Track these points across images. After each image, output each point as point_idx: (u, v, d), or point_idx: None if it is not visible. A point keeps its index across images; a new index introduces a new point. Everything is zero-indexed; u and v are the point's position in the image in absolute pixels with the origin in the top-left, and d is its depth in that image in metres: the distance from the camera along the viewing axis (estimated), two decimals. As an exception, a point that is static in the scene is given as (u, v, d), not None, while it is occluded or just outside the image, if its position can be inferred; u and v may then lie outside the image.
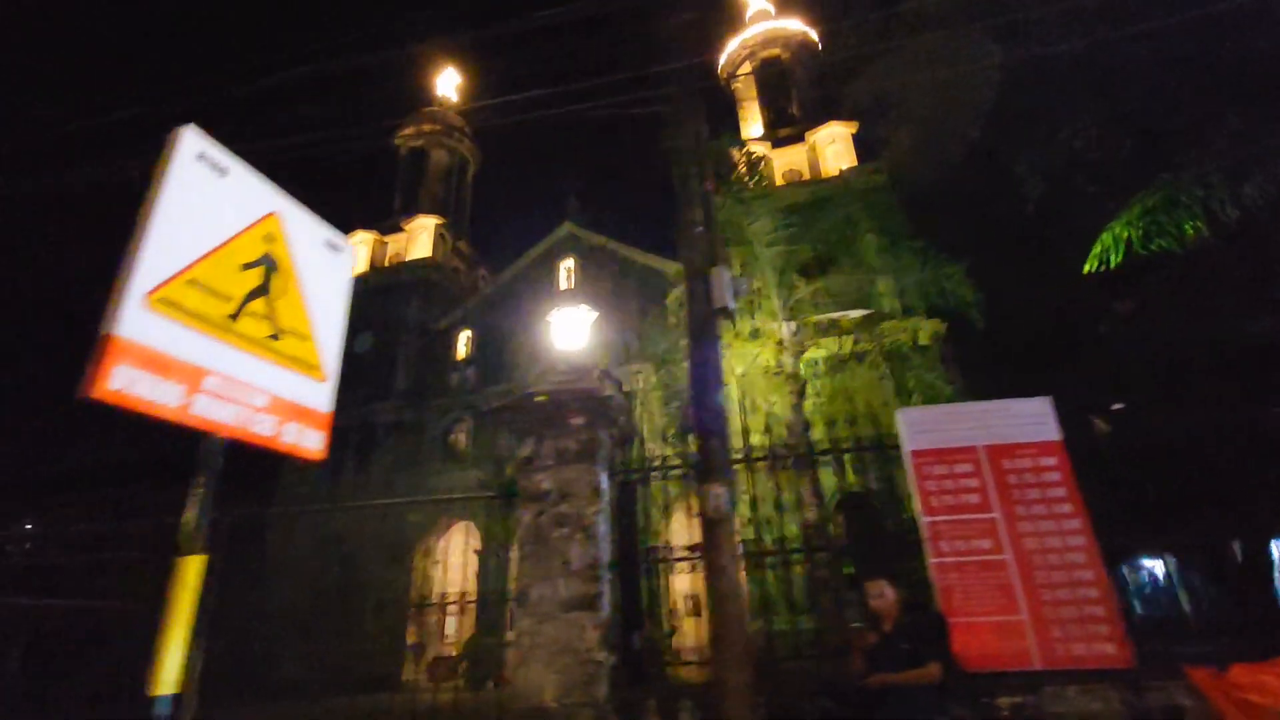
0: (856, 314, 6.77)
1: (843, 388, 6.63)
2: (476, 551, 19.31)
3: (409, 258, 25.09)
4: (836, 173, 20.62)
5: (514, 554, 15.15)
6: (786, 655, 4.85)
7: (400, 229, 26.09)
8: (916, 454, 3.80)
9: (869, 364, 6.61)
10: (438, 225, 25.66)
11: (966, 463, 3.72)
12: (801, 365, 8.02)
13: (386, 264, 25.76)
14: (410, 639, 18.91)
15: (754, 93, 24.99)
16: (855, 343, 6.98)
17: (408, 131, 29.01)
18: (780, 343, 7.09)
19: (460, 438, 21.36)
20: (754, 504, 7.05)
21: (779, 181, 21.96)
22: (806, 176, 21.70)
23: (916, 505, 3.80)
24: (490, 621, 18.22)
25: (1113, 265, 6.32)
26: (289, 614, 19.31)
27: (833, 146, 21.54)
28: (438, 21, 31.68)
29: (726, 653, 3.01)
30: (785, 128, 23.20)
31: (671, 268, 21.40)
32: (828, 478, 12.73)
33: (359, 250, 26.01)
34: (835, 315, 6.69)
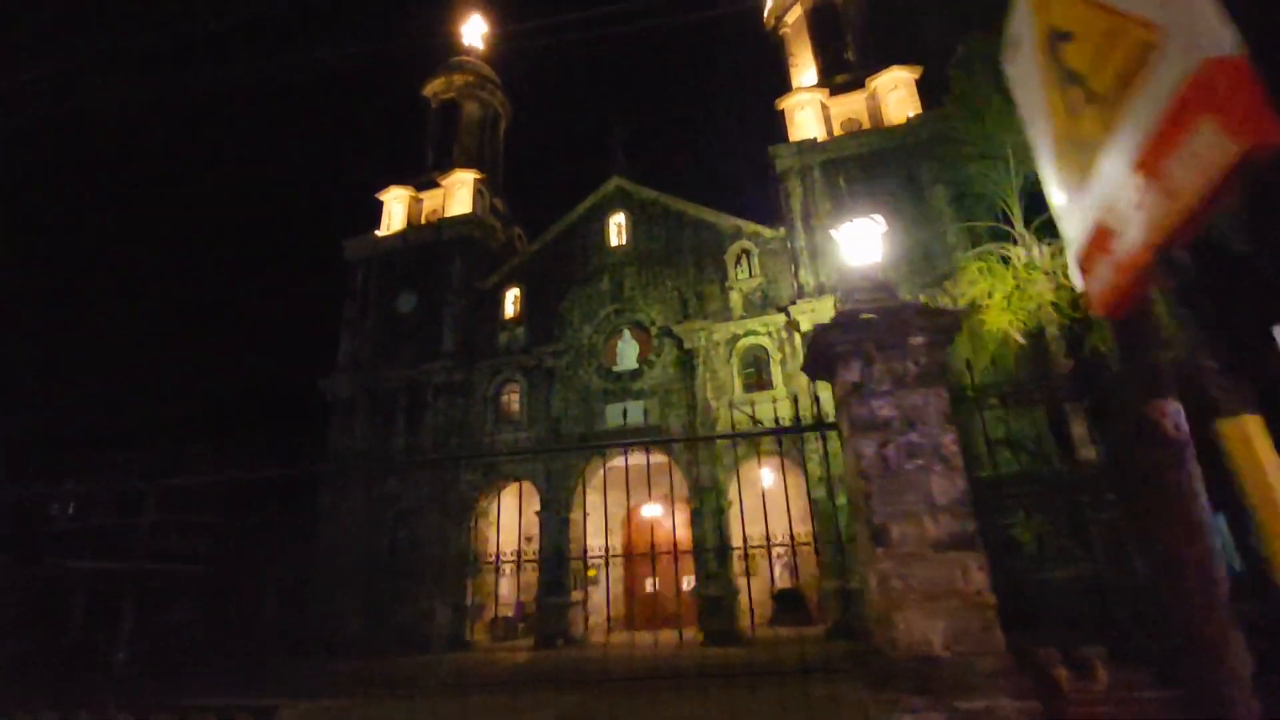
0: None
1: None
2: (537, 512, 19.07)
3: (448, 214, 24.28)
4: (903, 120, 19.75)
5: (574, 515, 14.85)
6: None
7: (436, 184, 25.20)
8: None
9: None
10: (477, 180, 24.78)
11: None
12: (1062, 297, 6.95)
13: (424, 221, 24.98)
14: (472, 598, 18.80)
15: (805, 39, 23.88)
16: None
17: (438, 83, 27.87)
18: (1035, 267, 6.44)
19: (512, 398, 20.95)
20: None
21: (837, 132, 21.16)
22: (867, 125, 20.86)
23: None
24: (553, 582, 18.11)
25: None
26: (347, 574, 19.17)
27: (895, 93, 20.63)
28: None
29: (1196, 599, 2.58)
30: (841, 74, 22.21)
31: (726, 222, 20.76)
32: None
33: (394, 207, 25.24)
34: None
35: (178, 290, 47.99)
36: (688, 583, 21.51)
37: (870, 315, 3.61)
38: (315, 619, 19.00)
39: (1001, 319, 7.25)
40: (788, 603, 19.36)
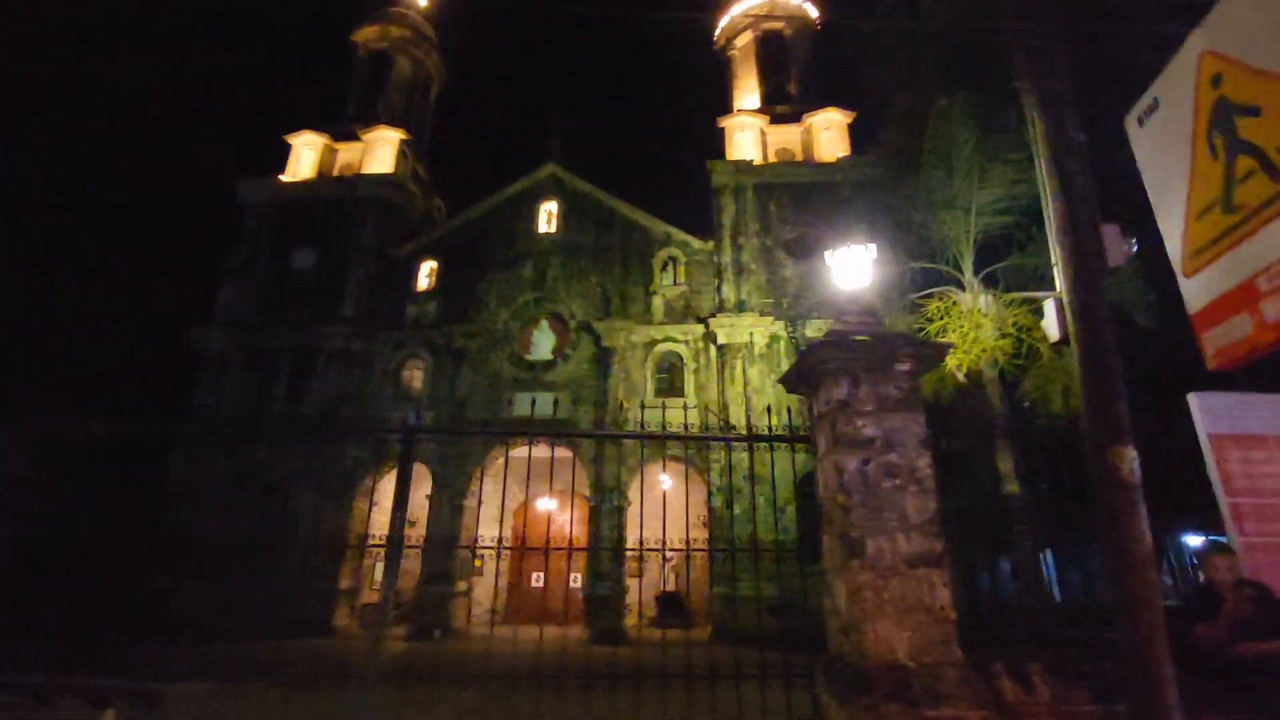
0: (1044, 295, 6.64)
1: (1058, 368, 6.58)
2: (428, 496, 18.18)
3: (365, 170, 22.68)
4: (834, 159, 20.93)
5: (468, 502, 14.46)
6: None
7: (356, 137, 23.48)
8: (1214, 437, 3.90)
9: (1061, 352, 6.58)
10: (402, 141, 23.36)
11: (1263, 450, 3.86)
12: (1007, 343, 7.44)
13: (336, 174, 23.17)
14: (344, 583, 17.61)
15: (752, 65, 24.71)
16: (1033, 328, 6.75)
17: (371, 31, 26.01)
18: (978, 313, 6.88)
19: (415, 375, 19.87)
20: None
21: (772, 158, 22.05)
22: (800, 157, 21.90)
23: (1216, 485, 3.90)
24: (438, 571, 17.38)
25: None
26: (196, 548, 17.33)
27: (828, 133, 21.84)
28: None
29: (1142, 623, 2.93)
30: (782, 104, 23.18)
31: (658, 227, 20.98)
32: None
33: (304, 153, 23.26)
34: (1031, 295, 6.58)
35: (25, 211, 41.08)
36: (575, 579, 21.42)
37: (863, 338, 3.76)
38: (151, 598, 16.94)
39: (952, 358, 7.88)
40: (670, 606, 19.80)
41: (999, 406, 7.29)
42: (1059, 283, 3.66)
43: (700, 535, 20.38)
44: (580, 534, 20.99)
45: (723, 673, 4.30)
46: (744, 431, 4.92)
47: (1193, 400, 4.04)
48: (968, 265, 7.70)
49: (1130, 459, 3.11)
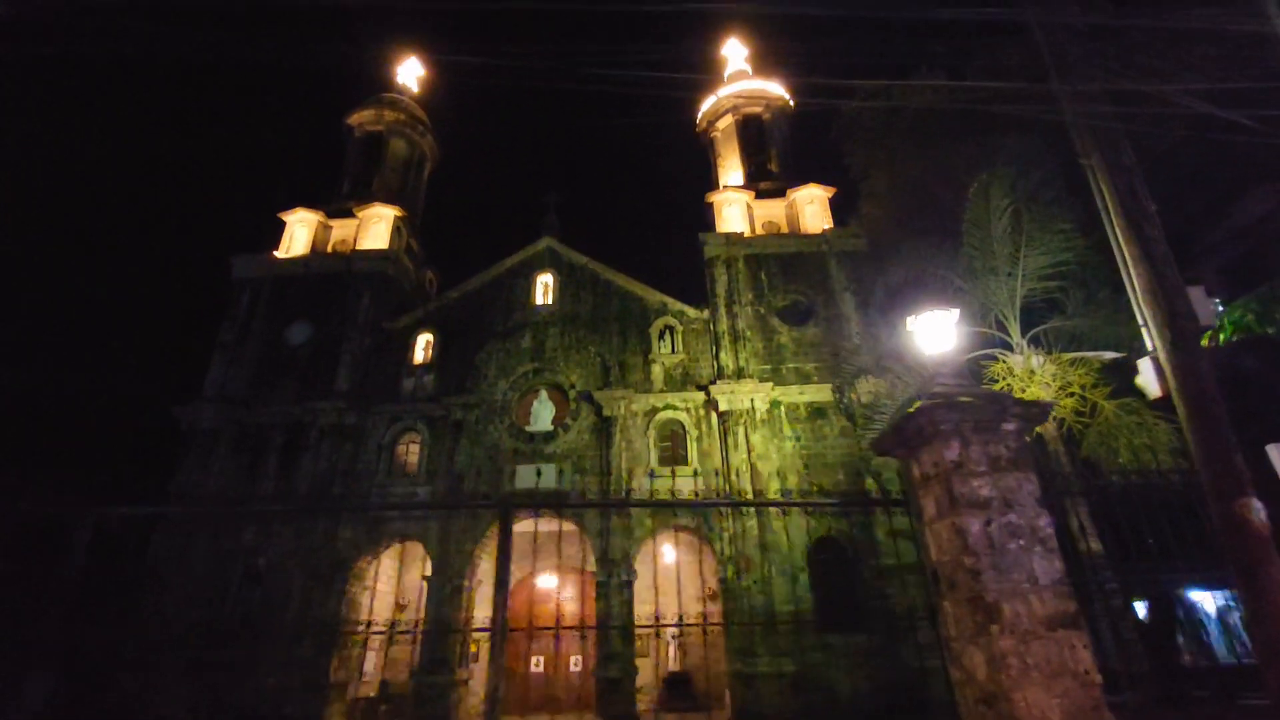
0: (1109, 355, 6.74)
1: (1122, 424, 6.65)
2: (425, 578, 17.38)
3: (360, 246, 22.90)
4: (818, 230, 21.90)
5: (467, 582, 13.96)
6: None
7: (351, 214, 23.83)
8: (1300, 488, 4.04)
9: (1126, 407, 6.68)
10: (397, 217, 23.77)
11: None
12: (1062, 401, 7.51)
13: (330, 250, 23.33)
14: (336, 674, 16.47)
15: (734, 145, 26.11)
16: (1095, 386, 6.79)
17: (366, 114, 26.91)
18: (1032, 374, 7.03)
19: (411, 449, 19.40)
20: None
21: (759, 231, 22.98)
22: (785, 230, 22.86)
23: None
24: (436, 658, 16.41)
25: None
26: (175, 639, 16.18)
27: (811, 206, 22.94)
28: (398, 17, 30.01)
29: None
30: (765, 181, 24.39)
31: (653, 297, 21.42)
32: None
33: (298, 230, 23.46)
34: (1087, 354, 6.76)
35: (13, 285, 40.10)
36: (575, 662, 20.40)
37: (968, 398, 3.86)
38: (121, 694, 15.58)
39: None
40: (678, 687, 18.87)
41: (1066, 464, 7.44)
42: (1150, 343, 3.83)
43: (707, 610, 19.77)
44: (582, 611, 20.16)
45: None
46: (750, 496, 4.89)
47: (1272, 451, 4.21)
48: (1014, 328, 7.99)
49: (1258, 510, 3.20)
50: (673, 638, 19.42)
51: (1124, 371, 7.13)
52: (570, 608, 20.87)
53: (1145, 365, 3.82)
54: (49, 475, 19.47)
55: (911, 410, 3.93)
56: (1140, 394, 6.66)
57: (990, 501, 3.65)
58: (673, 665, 19.96)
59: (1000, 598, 3.41)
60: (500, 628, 4.02)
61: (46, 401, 25.64)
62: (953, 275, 7.96)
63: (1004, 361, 8.02)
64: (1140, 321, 3.84)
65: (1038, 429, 8.22)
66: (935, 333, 4.42)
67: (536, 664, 20.37)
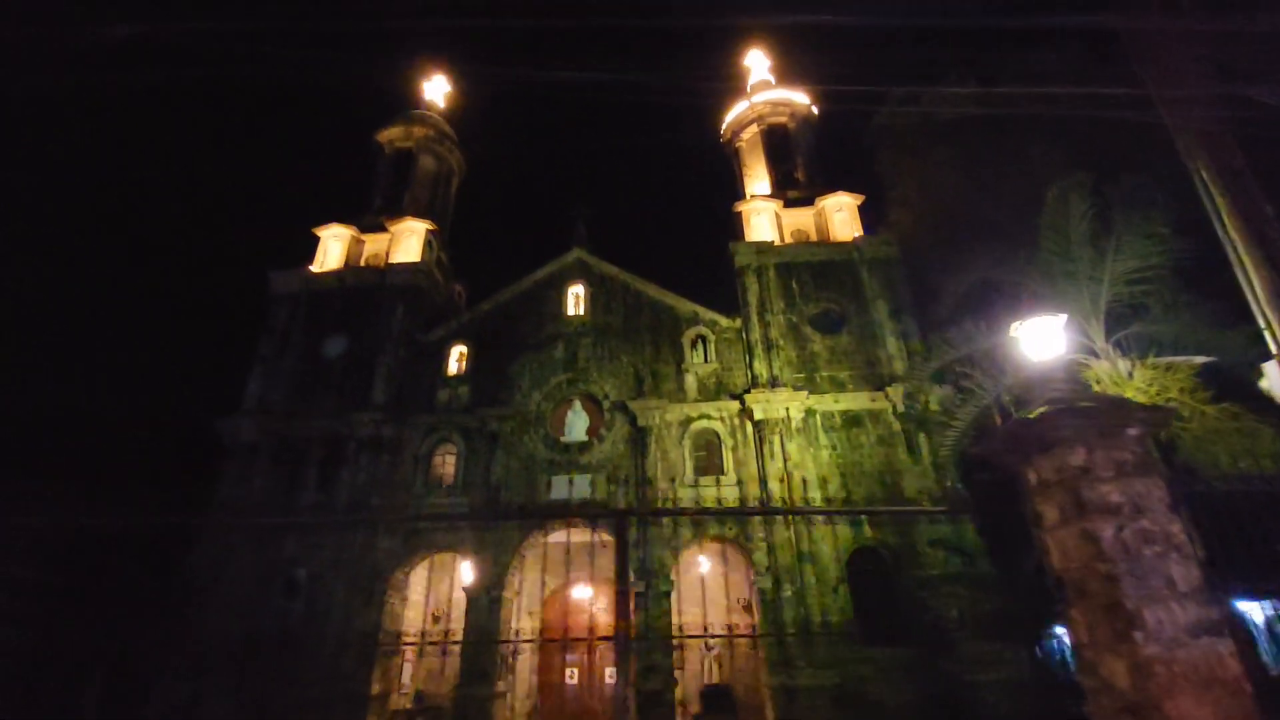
0: (1198, 360, 6.67)
1: (1223, 429, 6.50)
2: (466, 589, 17.42)
3: (393, 260, 23.21)
4: (848, 238, 21.87)
5: (507, 593, 13.97)
6: None
7: (383, 229, 24.18)
8: None
9: (1226, 412, 6.58)
10: (428, 231, 24.07)
11: None
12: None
13: (363, 264, 23.66)
14: (375, 686, 16.52)
15: (760, 155, 26.19)
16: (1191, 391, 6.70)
17: (395, 131, 27.35)
18: (1124, 379, 6.98)
19: (447, 460, 19.51)
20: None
21: (787, 239, 22.98)
22: (814, 238, 22.85)
23: None
24: (476, 670, 16.40)
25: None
26: (219, 650, 16.35)
27: (840, 214, 22.91)
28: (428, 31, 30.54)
29: None
30: (792, 190, 24.42)
31: (685, 306, 21.46)
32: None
33: (332, 244, 23.83)
34: (1175, 359, 6.69)
35: (48, 294, 41.16)
36: (609, 674, 20.27)
37: (1089, 404, 3.84)
38: (170, 706, 15.77)
39: None
40: (716, 700, 18.67)
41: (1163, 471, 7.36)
42: (1273, 347, 3.79)
43: (741, 621, 19.60)
44: (614, 622, 20.04)
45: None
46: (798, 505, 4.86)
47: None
48: (1098, 333, 7.90)
49: None
50: (709, 649, 19.25)
51: (1213, 376, 7.07)
52: (603, 619, 20.79)
53: (1271, 369, 3.78)
54: (88, 489, 19.82)
55: (1031, 416, 3.91)
56: (1238, 398, 6.56)
57: (1120, 507, 3.62)
58: (709, 678, 19.77)
59: (1141, 604, 3.37)
60: (623, 632, 4.04)
61: (87, 415, 26.11)
62: (1026, 280, 7.92)
63: (1090, 367, 7.92)
64: (1262, 325, 3.81)
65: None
66: (1041, 339, 4.41)
67: (570, 675, 20.28)
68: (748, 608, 19.79)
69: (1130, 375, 7.00)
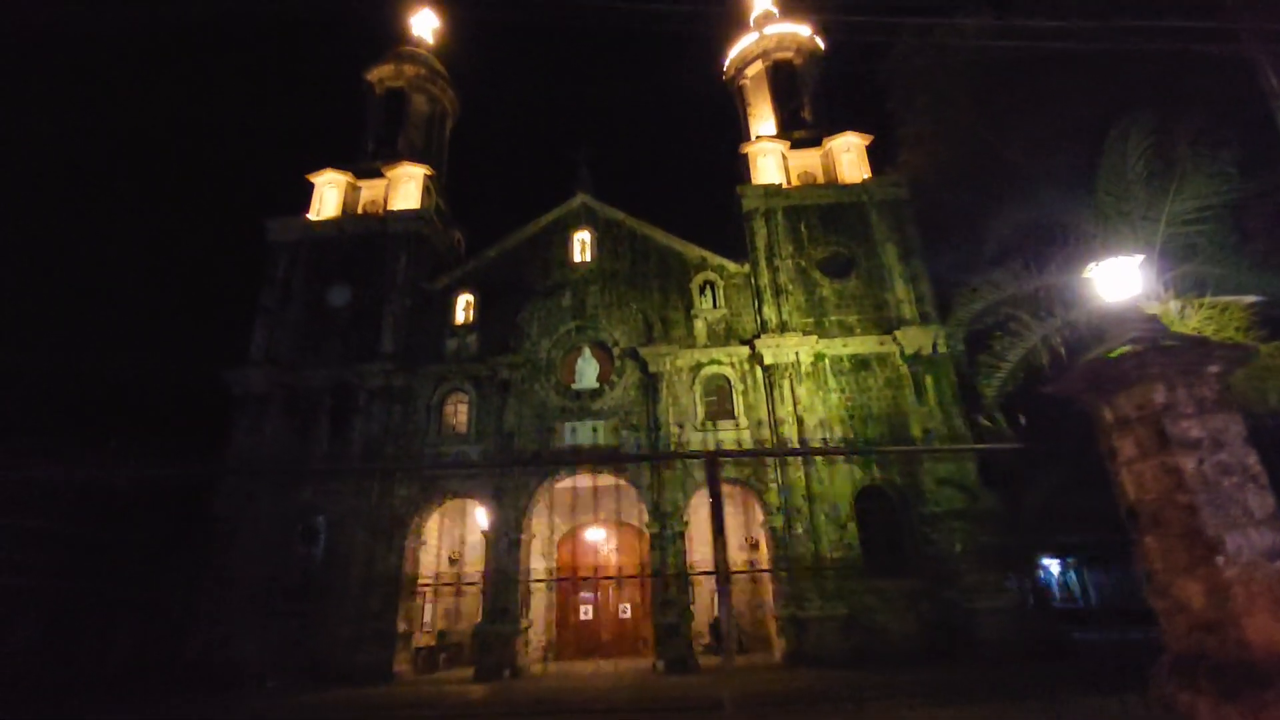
0: (1248, 299, 6.72)
1: (1273, 367, 6.66)
2: (485, 532, 17.87)
3: (392, 207, 22.66)
4: (856, 180, 21.56)
5: (524, 536, 14.36)
6: None
7: (379, 174, 23.48)
8: None
9: (1276, 349, 6.72)
10: (427, 176, 23.42)
11: None
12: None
13: (361, 211, 23.09)
14: (400, 625, 17.13)
15: (765, 94, 25.42)
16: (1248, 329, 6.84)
17: (385, 70, 26.20)
18: (1178, 318, 7.07)
19: (459, 409, 19.65)
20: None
21: (794, 182, 22.61)
22: (822, 180, 22.49)
23: None
24: (498, 608, 17.00)
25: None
26: (245, 593, 16.81)
27: (848, 155, 22.50)
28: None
29: None
30: (799, 130, 23.85)
31: (692, 251, 21.27)
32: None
33: (328, 191, 23.18)
34: (1227, 299, 6.74)
35: (48, 253, 39.93)
36: (623, 610, 21.13)
37: (1171, 343, 3.93)
38: (200, 647, 16.31)
39: None
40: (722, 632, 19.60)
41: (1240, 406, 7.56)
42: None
43: (747, 558, 20.36)
44: (627, 563, 20.79)
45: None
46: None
47: None
48: (1151, 274, 7.93)
49: None
50: (716, 585, 20.04)
51: (1262, 315, 7.22)
52: (614, 559, 21.51)
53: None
54: (103, 443, 19.84)
55: (1112, 355, 4.00)
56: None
57: (1201, 441, 3.76)
58: (717, 611, 20.67)
59: (1222, 531, 3.55)
60: (723, 571, 4.21)
61: (93, 372, 25.83)
62: (1075, 221, 7.90)
63: (1141, 307, 7.99)
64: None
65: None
66: (1116, 279, 4.46)
67: (585, 612, 21.12)
68: (754, 546, 20.52)
69: (1182, 315, 7.10)
